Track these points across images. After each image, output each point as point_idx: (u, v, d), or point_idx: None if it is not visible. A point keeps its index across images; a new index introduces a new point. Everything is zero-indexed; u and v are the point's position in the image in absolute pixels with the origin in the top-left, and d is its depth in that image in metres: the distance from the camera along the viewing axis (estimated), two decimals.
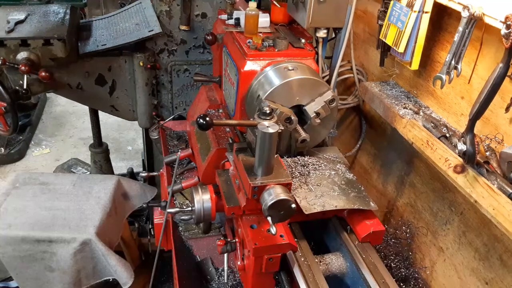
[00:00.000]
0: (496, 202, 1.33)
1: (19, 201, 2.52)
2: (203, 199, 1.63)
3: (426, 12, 1.62)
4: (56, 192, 2.61)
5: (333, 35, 2.00)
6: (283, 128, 1.62)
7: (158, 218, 2.24)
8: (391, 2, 1.74)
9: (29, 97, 2.55)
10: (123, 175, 3.80)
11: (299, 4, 1.87)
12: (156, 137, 2.80)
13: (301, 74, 1.73)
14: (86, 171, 4.26)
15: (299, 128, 1.74)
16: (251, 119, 1.51)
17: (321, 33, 1.92)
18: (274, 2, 2.11)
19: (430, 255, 1.92)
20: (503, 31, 1.20)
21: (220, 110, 2.37)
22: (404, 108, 1.84)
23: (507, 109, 1.40)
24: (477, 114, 1.32)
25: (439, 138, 1.62)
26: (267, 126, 1.40)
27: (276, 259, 1.56)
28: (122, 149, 5.22)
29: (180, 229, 2.41)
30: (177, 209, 1.87)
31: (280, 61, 1.82)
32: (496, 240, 1.56)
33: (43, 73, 2.50)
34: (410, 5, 1.62)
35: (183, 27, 2.83)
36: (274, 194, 1.41)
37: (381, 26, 1.85)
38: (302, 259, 1.61)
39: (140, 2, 3.06)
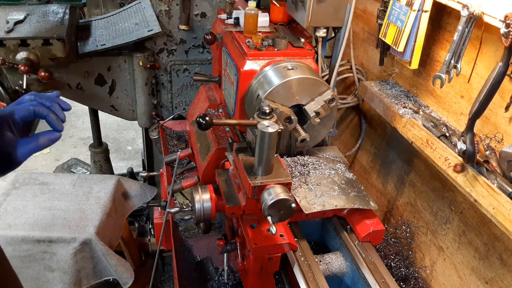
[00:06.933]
0: (496, 201, 1.33)
1: (19, 201, 2.52)
2: (203, 199, 1.63)
3: (426, 11, 1.62)
4: (56, 192, 2.61)
5: (333, 35, 2.00)
6: (282, 128, 1.62)
7: (158, 218, 2.24)
8: (391, 1, 1.74)
9: None
10: (123, 175, 3.81)
11: (299, 3, 1.87)
12: (156, 137, 2.80)
13: (300, 73, 1.73)
14: (86, 171, 4.26)
15: (298, 127, 1.74)
16: (251, 119, 1.51)
17: (321, 33, 1.92)
18: (274, 1, 2.11)
19: (430, 254, 1.92)
20: (503, 30, 1.19)
21: (220, 110, 2.37)
22: (403, 107, 1.84)
23: (506, 108, 1.40)
24: (476, 113, 1.32)
25: (438, 137, 1.62)
26: (267, 126, 1.40)
27: (276, 258, 1.57)
28: (122, 149, 5.22)
29: (180, 229, 2.42)
30: (177, 209, 1.88)
31: (279, 60, 1.82)
32: (496, 239, 1.56)
33: (43, 73, 2.50)
34: (409, 4, 1.62)
35: (182, 27, 2.83)
36: (274, 193, 1.41)
37: (380, 25, 1.85)
38: (302, 259, 1.61)
39: (140, 2, 3.06)
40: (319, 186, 1.73)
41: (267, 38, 1.87)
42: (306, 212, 1.59)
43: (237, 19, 2.10)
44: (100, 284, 2.47)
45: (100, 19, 3.11)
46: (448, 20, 1.70)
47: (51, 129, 1.12)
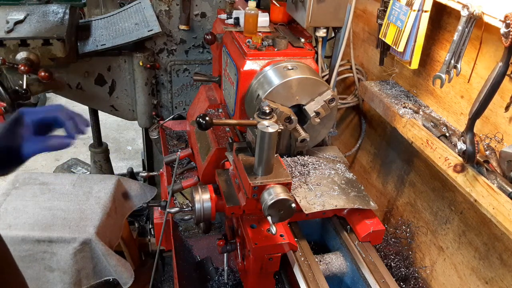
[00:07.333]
0: (496, 201, 1.33)
1: (19, 201, 2.52)
2: (203, 199, 1.63)
3: (426, 11, 1.62)
4: (56, 192, 2.61)
5: (333, 35, 2.00)
6: (282, 128, 1.62)
7: (158, 218, 2.25)
8: (391, 1, 1.74)
9: (29, 97, 2.54)
10: (123, 175, 3.81)
11: (299, 3, 1.87)
12: (156, 137, 2.80)
13: (300, 73, 1.73)
14: (86, 171, 4.26)
15: (299, 127, 1.74)
16: (251, 119, 1.51)
17: (321, 33, 1.92)
18: (274, 1, 2.11)
19: (430, 254, 1.92)
20: (503, 30, 1.20)
21: (220, 110, 2.37)
22: (403, 107, 1.84)
23: (506, 108, 1.40)
24: (476, 113, 1.32)
25: (438, 137, 1.62)
26: (267, 126, 1.40)
27: (276, 258, 1.57)
28: (122, 149, 5.22)
29: (180, 229, 2.42)
30: (177, 209, 1.87)
31: (279, 60, 1.82)
32: (496, 239, 1.56)
33: (43, 73, 2.50)
34: (409, 4, 1.62)
35: (182, 27, 2.83)
36: (274, 193, 1.41)
37: (380, 25, 1.85)
38: (302, 259, 1.61)
39: (140, 2, 3.06)
40: (319, 186, 1.73)
41: (267, 38, 1.87)
42: (306, 212, 1.59)
43: (237, 19, 2.10)
44: (100, 284, 2.47)
45: (100, 19, 3.11)
46: (448, 20, 1.70)
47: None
